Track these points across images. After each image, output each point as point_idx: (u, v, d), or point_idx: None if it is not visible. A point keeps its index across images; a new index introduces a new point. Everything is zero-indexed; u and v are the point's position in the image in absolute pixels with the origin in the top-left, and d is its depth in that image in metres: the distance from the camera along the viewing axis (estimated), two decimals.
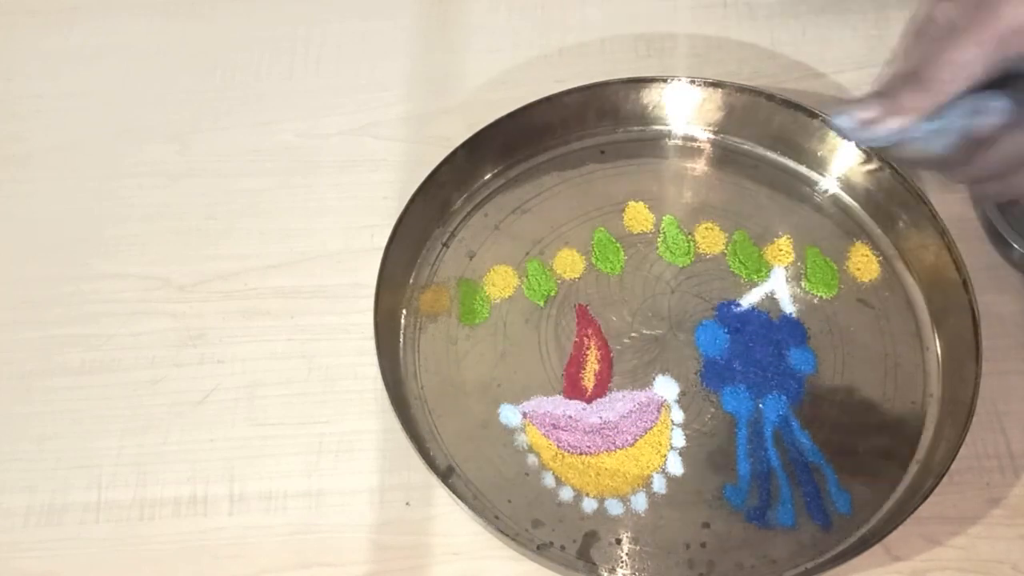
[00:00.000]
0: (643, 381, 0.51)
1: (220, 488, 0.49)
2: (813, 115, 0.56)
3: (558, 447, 0.49)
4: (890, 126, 0.39)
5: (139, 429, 0.51)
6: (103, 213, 0.59)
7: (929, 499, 0.44)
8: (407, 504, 0.49)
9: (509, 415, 0.50)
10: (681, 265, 0.54)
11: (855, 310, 0.53)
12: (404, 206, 0.53)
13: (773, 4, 0.65)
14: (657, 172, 0.58)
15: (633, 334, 0.52)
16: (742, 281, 0.54)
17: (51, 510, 0.49)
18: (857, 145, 0.40)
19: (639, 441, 0.49)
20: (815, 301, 0.53)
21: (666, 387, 0.51)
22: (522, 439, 0.49)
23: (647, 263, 0.55)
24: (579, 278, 0.54)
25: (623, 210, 0.56)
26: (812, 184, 0.57)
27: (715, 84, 0.57)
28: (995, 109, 0.39)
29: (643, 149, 0.59)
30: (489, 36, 0.65)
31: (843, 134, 0.40)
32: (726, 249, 0.55)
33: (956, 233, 0.51)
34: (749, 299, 0.53)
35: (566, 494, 0.48)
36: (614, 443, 0.49)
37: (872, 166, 0.55)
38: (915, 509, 0.44)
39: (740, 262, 0.54)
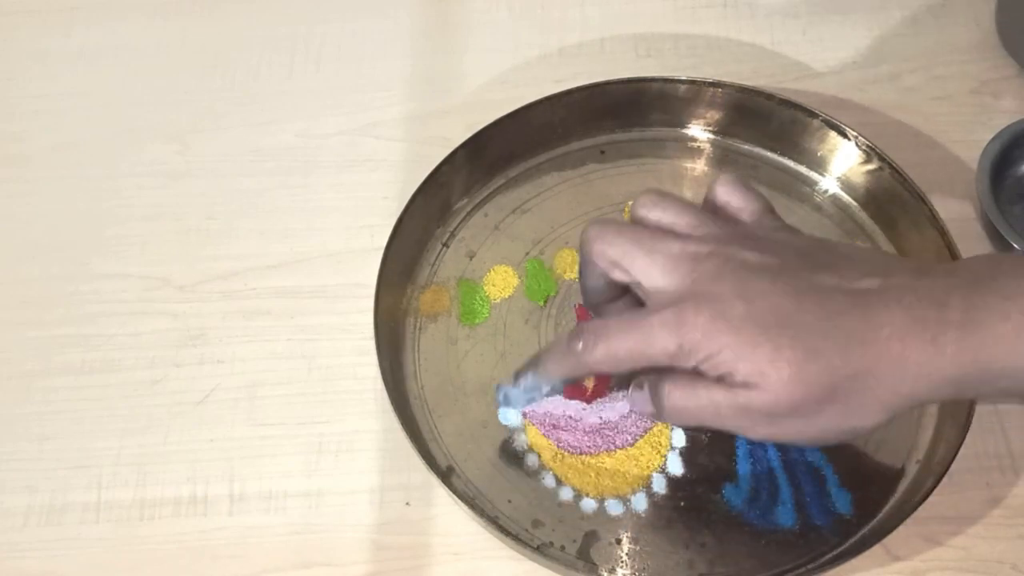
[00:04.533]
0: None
1: (220, 488, 0.49)
2: (813, 115, 0.56)
3: (558, 447, 0.49)
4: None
5: (139, 429, 0.51)
6: (103, 213, 0.59)
7: (929, 499, 0.44)
8: (407, 504, 0.49)
9: (509, 415, 0.50)
10: None
11: None
12: (404, 206, 0.53)
13: (773, 4, 0.65)
14: (657, 172, 0.58)
15: None
16: None
17: (51, 510, 0.49)
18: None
19: (639, 441, 0.49)
20: None
21: None
22: (522, 439, 0.49)
23: None
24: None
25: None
26: (812, 184, 0.57)
27: (715, 84, 0.57)
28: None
29: (643, 149, 0.59)
30: (489, 36, 0.65)
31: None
32: None
33: (956, 233, 0.51)
34: None
35: (566, 494, 0.48)
36: (614, 443, 0.49)
37: (872, 166, 0.55)
38: (915, 509, 0.44)
39: None
